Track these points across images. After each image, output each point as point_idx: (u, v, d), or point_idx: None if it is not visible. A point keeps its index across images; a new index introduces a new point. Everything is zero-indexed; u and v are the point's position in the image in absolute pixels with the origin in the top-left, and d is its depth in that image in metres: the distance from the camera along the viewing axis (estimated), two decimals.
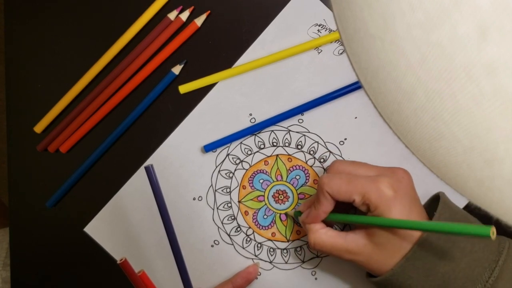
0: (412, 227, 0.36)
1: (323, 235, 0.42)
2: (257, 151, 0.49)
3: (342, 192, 0.40)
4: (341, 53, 0.48)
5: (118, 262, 0.41)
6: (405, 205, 0.38)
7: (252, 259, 0.50)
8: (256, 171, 0.49)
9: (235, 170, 0.50)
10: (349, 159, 0.48)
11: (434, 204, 0.42)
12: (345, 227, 0.48)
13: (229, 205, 0.50)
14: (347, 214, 0.44)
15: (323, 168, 0.48)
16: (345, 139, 0.48)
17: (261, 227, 0.49)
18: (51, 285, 0.53)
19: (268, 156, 0.49)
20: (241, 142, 0.49)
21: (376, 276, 0.41)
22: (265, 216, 0.49)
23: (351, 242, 0.40)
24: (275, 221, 0.49)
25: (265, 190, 0.49)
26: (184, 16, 0.49)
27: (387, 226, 0.38)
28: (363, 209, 0.40)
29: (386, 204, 0.38)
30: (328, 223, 0.44)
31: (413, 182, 0.41)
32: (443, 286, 0.37)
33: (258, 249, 0.49)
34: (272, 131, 0.49)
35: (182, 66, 0.49)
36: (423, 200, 0.46)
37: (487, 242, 0.38)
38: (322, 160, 0.48)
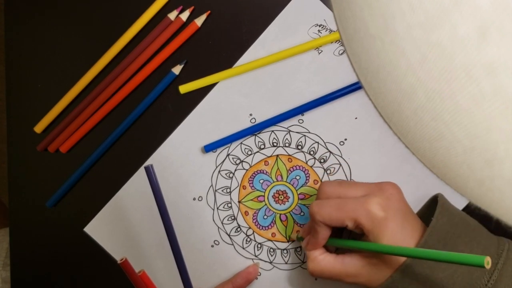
0: (410, 254, 0.36)
1: (321, 262, 0.42)
2: (257, 151, 0.49)
3: (333, 219, 0.40)
4: (341, 54, 0.48)
5: (119, 262, 0.41)
6: (397, 224, 0.38)
7: (252, 259, 0.50)
8: (256, 171, 0.49)
9: (235, 170, 0.50)
10: (349, 160, 0.48)
11: (434, 205, 0.42)
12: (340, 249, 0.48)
13: (229, 205, 0.50)
14: (345, 239, 0.44)
15: (323, 168, 0.48)
16: (345, 139, 0.48)
17: (261, 227, 0.49)
18: (51, 285, 0.53)
19: (268, 156, 0.49)
20: (241, 142, 0.49)
21: None
22: (265, 217, 0.49)
23: (349, 266, 0.40)
24: (275, 222, 0.49)
25: (265, 190, 0.49)
26: (184, 16, 0.49)
27: (385, 253, 0.38)
28: (357, 231, 0.40)
29: (378, 227, 0.38)
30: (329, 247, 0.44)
31: (403, 195, 0.41)
32: None
33: (258, 249, 0.49)
34: (272, 131, 0.49)
35: (182, 66, 0.49)
36: (423, 201, 0.46)
37: (486, 245, 0.38)
38: (322, 161, 0.48)
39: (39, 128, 0.52)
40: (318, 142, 0.49)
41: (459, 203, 0.44)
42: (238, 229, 0.50)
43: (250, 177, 0.49)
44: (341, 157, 0.48)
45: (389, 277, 0.38)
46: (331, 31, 0.48)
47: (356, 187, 0.41)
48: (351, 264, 0.40)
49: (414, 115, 0.16)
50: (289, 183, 0.49)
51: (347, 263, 0.41)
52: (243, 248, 0.50)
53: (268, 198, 0.49)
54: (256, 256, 0.49)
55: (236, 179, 0.50)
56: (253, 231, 0.49)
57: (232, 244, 0.50)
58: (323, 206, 0.40)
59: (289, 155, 0.49)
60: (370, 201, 0.38)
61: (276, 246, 0.49)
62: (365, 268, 0.40)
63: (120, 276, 0.44)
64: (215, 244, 0.50)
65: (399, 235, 0.38)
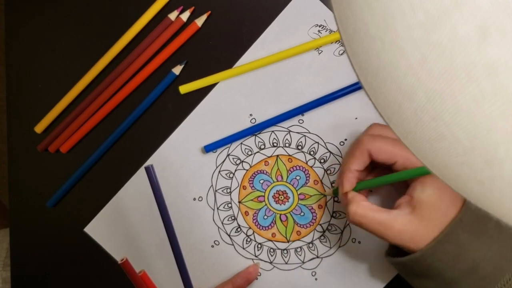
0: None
1: (366, 207, 0.40)
2: (258, 152, 0.49)
3: (384, 151, 0.38)
4: (341, 54, 0.48)
5: (119, 262, 0.41)
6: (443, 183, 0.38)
7: (252, 259, 0.50)
8: (257, 172, 0.49)
9: (235, 170, 0.50)
10: None
11: None
12: None
13: (229, 205, 0.50)
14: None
15: (324, 168, 0.48)
16: (346, 139, 0.48)
17: (261, 227, 0.49)
18: (51, 285, 0.53)
19: (269, 157, 0.49)
20: (241, 143, 0.49)
21: (404, 254, 0.40)
22: (265, 217, 0.49)
23: (396, 218, 0.39)
24: (275, 222, 0.49)
25: (266, 190, 0.49)
26: (185, 16, 0.49)
27: (411, 177, 0.38)
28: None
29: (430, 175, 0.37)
30: None
31: None
32: (471, 272, 0.37)
33: (258, 250, 0.49)
34: (273, 131, 0.49)
35: (182, 66, 0.49)
36: None
37: None
38: (322, 161, 0.48)
39: (39, 128, 0.52)
40: (318, 142, 0.49)
41: None
42: (238, 229, 0.50)
43: (250, 177, 0.49)
44: (341, 157, 0.48)
45: (418, 250, 0.38)
46: (331, 31, 0.48)
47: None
48: (399, 216, 0.39)
49: (414, 115, 0.16)
50: (289, 183, 0.49)
51: (394, 214, 0.39)
52: (243, 248, 0.50)
53: (268, 198, 0.49)
54: (256, 256, 0.49)
55: (236, 179, 0.50)
56: (253, 231, 0.49)
57: (232, 244, 0.50)
58: (377, 138, 0.39)
59: (289, 155, 0.49)
60: None
61: (276, 246, 0.49)
62: (412, 223, 0.38)
63: (120, 276, 0.44)
64: (215, 244, 0.50)
65: (443, 188, 0.38)
